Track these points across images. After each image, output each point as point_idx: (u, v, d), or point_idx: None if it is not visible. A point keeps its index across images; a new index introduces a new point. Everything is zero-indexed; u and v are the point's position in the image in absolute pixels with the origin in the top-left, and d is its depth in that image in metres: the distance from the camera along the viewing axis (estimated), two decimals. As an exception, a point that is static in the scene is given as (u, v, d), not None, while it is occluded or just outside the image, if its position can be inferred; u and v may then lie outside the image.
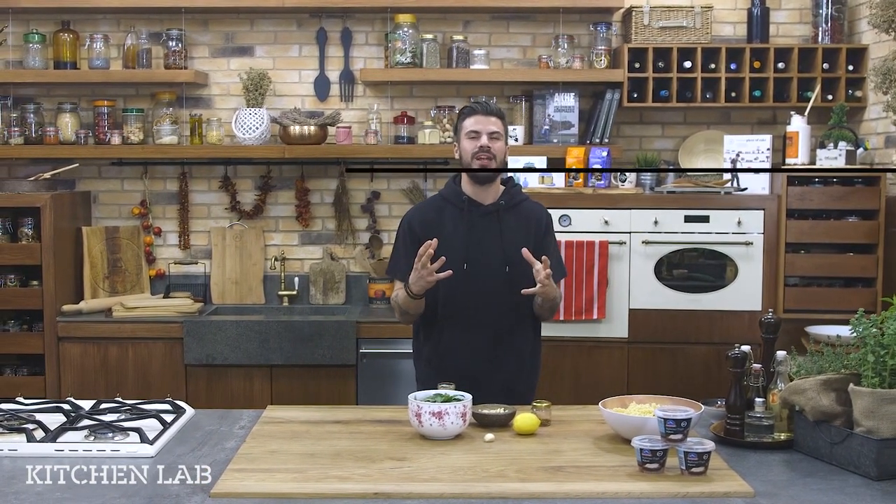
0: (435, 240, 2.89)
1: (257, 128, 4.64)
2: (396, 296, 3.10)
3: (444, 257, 2.88)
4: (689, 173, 4.59)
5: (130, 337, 4.35)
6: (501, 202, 3.12)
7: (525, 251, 2.91)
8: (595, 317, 4.25)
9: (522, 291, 2.93)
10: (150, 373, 4.34)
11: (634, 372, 4.29)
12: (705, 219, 4.27)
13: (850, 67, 4.57)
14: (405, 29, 4.64)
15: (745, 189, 4.37)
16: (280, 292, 4.85)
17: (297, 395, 4.28)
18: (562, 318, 4.21)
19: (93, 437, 2.46)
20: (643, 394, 2.69)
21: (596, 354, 4.31)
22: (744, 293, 4.26)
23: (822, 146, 4.32)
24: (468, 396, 2.56)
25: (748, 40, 4.73)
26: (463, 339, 3.08)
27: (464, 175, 3.14)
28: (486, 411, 2.63)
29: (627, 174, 4.49)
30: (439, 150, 4.64)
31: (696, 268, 4.36)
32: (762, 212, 4.26)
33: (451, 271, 2.92)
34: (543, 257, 2.89)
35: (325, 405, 3.24)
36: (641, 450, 2.22)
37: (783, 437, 2.50)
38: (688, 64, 4.57)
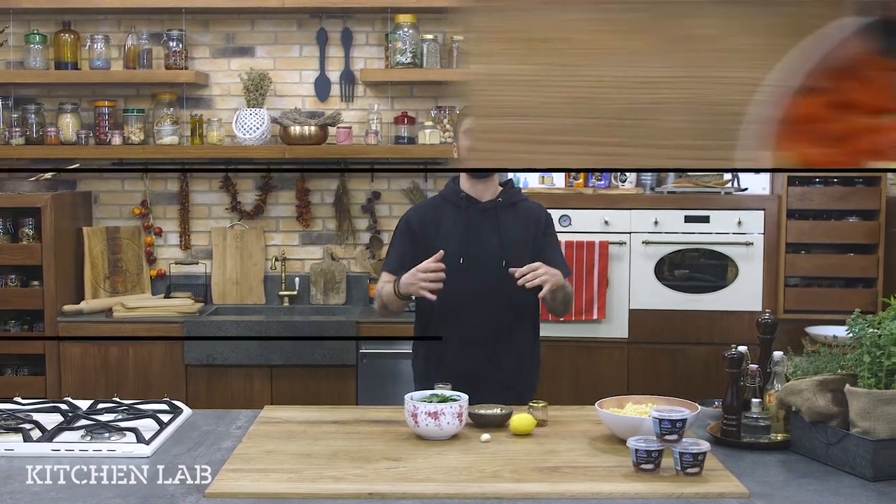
0: (441, 251, 2.90)
1: (258, 128, 4.64)
2: (382, 288, 3.09)
3: (442, 274, 2.89)
4: (689, 173, 4.58)
5: (131, 337, 4.36)
6: (499, 199, 3.12)
7: (511, 270, 2.90)
8: (595, 317, 4.25)
9: (539, 296, 2.92)
10: (151, 373, 4.35)
11: (634, 372, 4.29)
12: (705, 219, 4.27)
13: (851, 67, 4.56)
14: (405, 29, 4.63)
15: (746, 189, 4.37)
16: (280, 292, 4.85)
17: (297, 395, 4.28)
18: (562, 318, 4.20)
19: (89, 437, 2.46)
20: (643, 394, 2.69)
21: (596, 354, 4.31)
22: (744, 293, 4.26)
23: (823, 146, 4.31)
24: (464, 397, 2.56)
25: (749, 40, 4.71)
26: (462, 338, 3.07)
27: (462, 174, 3.15)
28: (482, 411, 2.62)
29: (627, 174, 4.48)
30: (439, 151, 4.64)
31: (696, 268, 4.35)
32: (762, 212, 4.26)
33: (441, 285, 2.92)
34: (517, 270, 2.88)
35: (325, 405, 3.23)
36: (637, 450, 2.22)
37: (779, 437, 2.50)
38: (688, 64, 4.56)
